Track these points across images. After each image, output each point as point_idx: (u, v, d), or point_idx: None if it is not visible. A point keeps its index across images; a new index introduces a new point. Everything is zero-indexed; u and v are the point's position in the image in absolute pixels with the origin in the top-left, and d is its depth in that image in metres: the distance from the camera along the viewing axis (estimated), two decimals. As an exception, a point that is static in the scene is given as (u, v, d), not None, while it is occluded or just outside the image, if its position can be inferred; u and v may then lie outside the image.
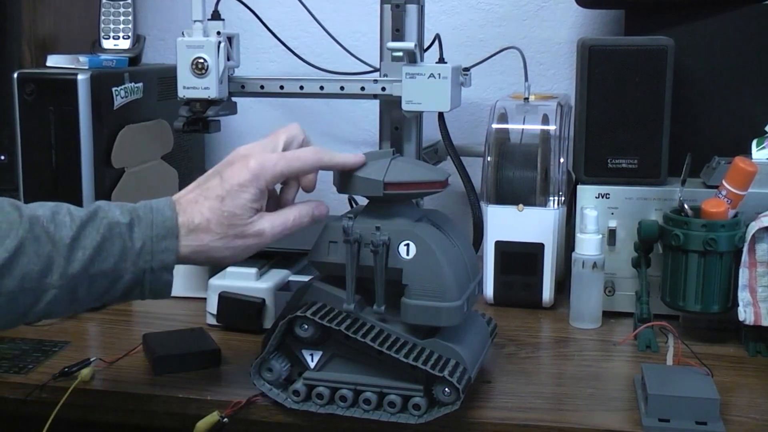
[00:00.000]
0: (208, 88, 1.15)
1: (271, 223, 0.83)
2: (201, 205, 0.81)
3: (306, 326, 0.83)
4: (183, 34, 1.17)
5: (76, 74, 1.18)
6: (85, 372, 0.92)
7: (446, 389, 0.80)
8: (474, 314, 0.94)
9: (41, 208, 0.77)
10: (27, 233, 0.75)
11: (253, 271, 1.08)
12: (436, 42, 1.13)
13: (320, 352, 0.85)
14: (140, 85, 1.29)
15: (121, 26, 1.34)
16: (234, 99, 1.22)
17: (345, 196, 0.94)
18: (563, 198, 1.16)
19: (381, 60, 1.19)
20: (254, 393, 0.87)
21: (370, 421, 0.83)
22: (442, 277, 0.82)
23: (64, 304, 0.77)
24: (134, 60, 1.33)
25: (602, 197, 1.12)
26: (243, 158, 0.82)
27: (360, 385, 0.84)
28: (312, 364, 0.85)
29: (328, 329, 0.82)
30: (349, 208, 0.94)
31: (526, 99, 1.23)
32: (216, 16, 1.17)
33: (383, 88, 1.16)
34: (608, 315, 1.12)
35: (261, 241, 0.82)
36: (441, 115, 1.16)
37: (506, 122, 1.22)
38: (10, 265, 0.74)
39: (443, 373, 0.79)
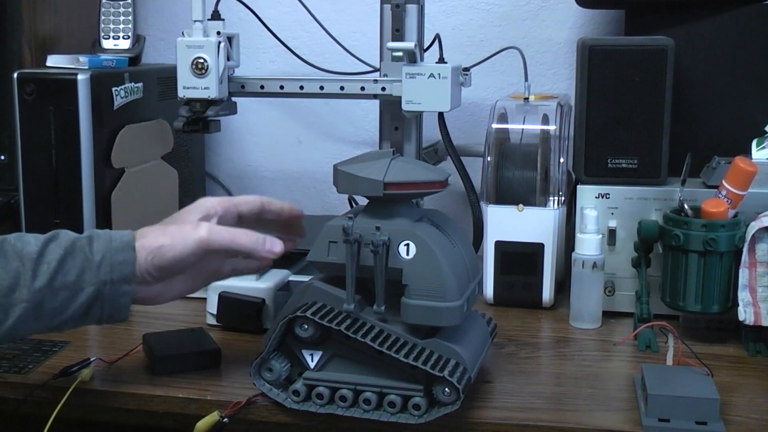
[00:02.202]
0: (208, 88, 1.15)
1: (213, 225, 0.87)
2: (155, 226, 0.87)
3: (306, 326, 0.83)
4: (183, 34, 1.17)
5: (76, 74, 1.18)
6: (85, 372, 0.92)
7: (446, 389, 0.80)
8: (474, 314, 0.93)
9: (8, 234, 0.83)
10: None
11: (253, 271, 1.08)
12: (436, 42, 1.13)
13: (320, 352, 0.85)
14: (140, 85, 1.29)
15: (121, 26, 1.34)
16: (234, 99, 1.21)
17: (345, 196, 0.94)
18: (563, 198, 1.16)
19: (381, 60, 1.19)
20: (254, 393, 0.87)
21: (370, 421, 0.83)
22: (442, 277, 0.82)
23: (30, 320, 0.80)
24: (134, 60, 1.33)
25: (602, 197, 1.12)
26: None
27: (360, 385, 0.84)
28: (312, 364, 0.85)
29: (328, 329, 0.82)
30: (349, 208, 0.94)
31: (526, 99, 1.23)
32: (216, 16, 1.17)
33: (383, 88, 1.15)
34: (608, 315, 1.12)
35: (197, 232, 0.85)
36: (441, 115, 1.16)
37: (506, 122, 1.22)
38: None
39: (443, 373, 0.79)
